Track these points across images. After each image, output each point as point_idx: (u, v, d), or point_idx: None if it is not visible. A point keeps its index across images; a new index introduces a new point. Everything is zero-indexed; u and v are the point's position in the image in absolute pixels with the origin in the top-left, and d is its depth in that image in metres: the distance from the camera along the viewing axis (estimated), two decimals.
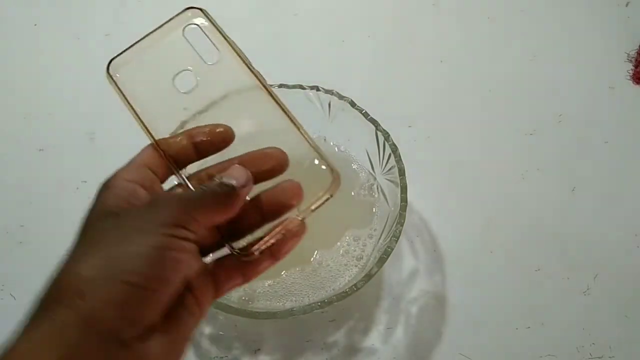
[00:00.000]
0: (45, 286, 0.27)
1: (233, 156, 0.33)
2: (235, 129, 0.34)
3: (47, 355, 0.23)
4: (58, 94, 0.67)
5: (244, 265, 0.31)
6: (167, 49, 0.35)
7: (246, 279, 0.31)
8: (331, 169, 0.32)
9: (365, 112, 0.51)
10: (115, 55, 0.36)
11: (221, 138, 0.33)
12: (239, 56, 0.35)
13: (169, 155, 0.33)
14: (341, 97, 0.52)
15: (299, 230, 0.31)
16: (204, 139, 0.33)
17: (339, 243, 0.51)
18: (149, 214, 0.27)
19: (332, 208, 0.42)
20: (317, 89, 0.52)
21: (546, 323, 0.51)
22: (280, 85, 0.51)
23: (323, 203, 0.32)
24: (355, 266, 0.50)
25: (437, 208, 0.57)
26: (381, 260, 0.45)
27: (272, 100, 0.33)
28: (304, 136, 0.33)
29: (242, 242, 0.31)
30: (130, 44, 0.36)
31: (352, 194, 0.54)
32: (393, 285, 0.53)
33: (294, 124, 0.33)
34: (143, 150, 0.33)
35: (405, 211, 0.47)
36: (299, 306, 0.43)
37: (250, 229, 0.31)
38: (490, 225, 0.56)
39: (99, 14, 0.75)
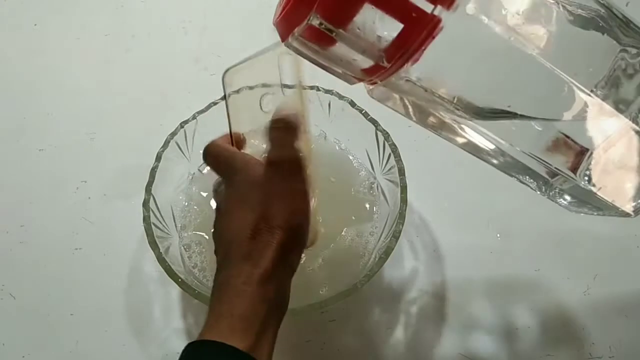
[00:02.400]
0: (250, 228, 0.36)
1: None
2: None
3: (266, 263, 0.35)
4: (58, 94, 0.67)
5: None
6: (264, 72, 0.42)
7: None
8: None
9: (365, 112, 0.51)
10: (232, 65, 0.41)
11: None
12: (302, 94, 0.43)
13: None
14: (341, 97, 0.52)
15: None
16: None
17: (338, 238, 0.51)
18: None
19: (332, 205, 0.43)
20: (317, 88, 0.52)
21: (546, 323, 0.51)
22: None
23: None
24: (357, 265, 0.50)
25: (437, 208, 0.57)
26: (381, 260, 0.45)
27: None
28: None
29: None
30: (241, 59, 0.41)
31: (352, 191, 0.54)
32: (393, 285, 0.53)
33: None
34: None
35: (405, 211, 0.47)
36: (299, 306, 0.43)
37: None
38: (490, 226, 0.56)
39: (99, 14, 0.75)
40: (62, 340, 0.52)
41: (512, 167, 0.34)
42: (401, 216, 0.47)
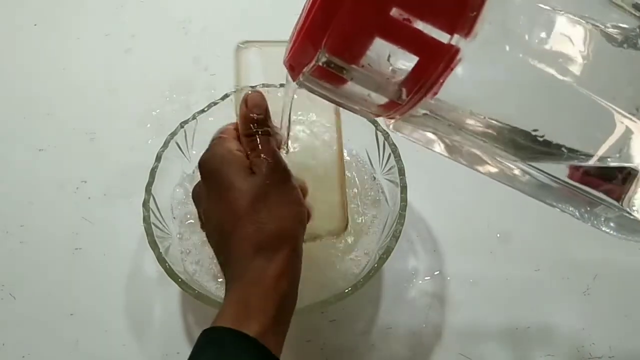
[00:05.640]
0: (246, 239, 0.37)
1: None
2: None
3: (278, 263, 0.36)
4: (58, 94, 0.67)
5: None
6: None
7: None
8: (344, 217, 0.43)
9: None
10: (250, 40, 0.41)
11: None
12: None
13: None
14: None
15: None
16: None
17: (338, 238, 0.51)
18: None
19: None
20: None
21: (546, 323, 0.51)
22: (281, 85, 0.51)
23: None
24: (357, 265, 0.50)
25: (437, 208, 0.57)
26: (381, 260, 0.45)
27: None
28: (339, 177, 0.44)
29: None
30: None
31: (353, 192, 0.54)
32: (393, 286, 0.53)
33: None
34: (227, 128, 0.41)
35: (405, 211, 0.47)
36: (299, 306, 0.43)
37: None
38: (490, 226, 0.56)
39: (99, 14, 0.75)
40: (62, 340, 0.52)
41: (550, 196, 0.32)
42: (401, 216, 0.47)
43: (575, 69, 0.27)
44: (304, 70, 0.28)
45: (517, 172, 0.31)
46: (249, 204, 0.37)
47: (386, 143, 0.50)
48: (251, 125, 0.39)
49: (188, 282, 0.45)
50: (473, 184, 0.58)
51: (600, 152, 0.28)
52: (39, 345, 0.52)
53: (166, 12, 0.75)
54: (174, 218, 0.52)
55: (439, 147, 0.32)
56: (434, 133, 0.31)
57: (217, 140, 0.40)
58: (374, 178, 0.54)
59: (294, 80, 0.29)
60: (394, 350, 0.50)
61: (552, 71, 0.27)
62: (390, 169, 0.51)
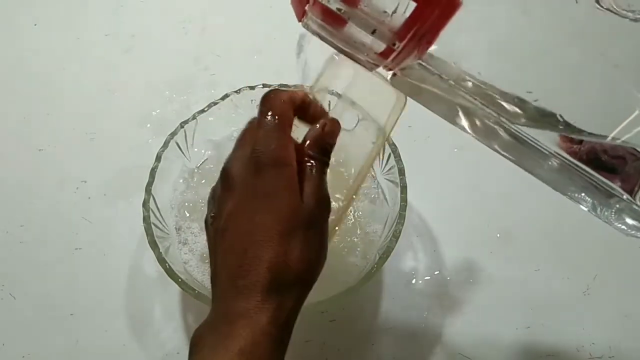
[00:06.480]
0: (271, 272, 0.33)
1: None
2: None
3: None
4: (58, 94, 0.67)
5: None
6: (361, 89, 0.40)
7: None
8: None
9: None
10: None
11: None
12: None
13: None
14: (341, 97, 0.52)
15: None
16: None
17: (339, 237, 0.51)
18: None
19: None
20: None
21: (546, 323, 0.51)
22: (281, 86, 0.51)
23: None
24: (357, 265, 0.50)
25: (437, 208, 0.57)
26: (381, 260, 0.45)
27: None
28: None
29: None
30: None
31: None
32: (393, 286, 0.53)
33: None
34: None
35: (405, 211, 0.47)
36: None
37: None
38: (490, 225, 0.56)
39: (99, 14, 0.75)
40: (62, 340, 0.52)
41: (568, 183, 0.31)
42: (401, 216, 0.47)
43: (582, 36, 0.26)
44: (306, 8, 0.28)
45: (535, 155, 0.31)
46: (287, 229, 0.32)
47: (386, 143, 0.50)
48: (317, 151, 0.36)
49: (188, 282, 0.45)
50: (473, 183, 0.58)
51: (610, 132, 0.27)
52: (39, 345, 0.52)
53: (166, 12, 0.75)
54: (172, 207, 0.53)
55: (461, 118, 0.31)
56: (432, 92, 0.31)
57: (283, 139, 0.35)
58: (374, 178, 0.54)
59: (299, 21, 0.30)
60: (394, 350, 0.50)
61: (556, 36, 0.26)
62: (390, 169, 0.51)
